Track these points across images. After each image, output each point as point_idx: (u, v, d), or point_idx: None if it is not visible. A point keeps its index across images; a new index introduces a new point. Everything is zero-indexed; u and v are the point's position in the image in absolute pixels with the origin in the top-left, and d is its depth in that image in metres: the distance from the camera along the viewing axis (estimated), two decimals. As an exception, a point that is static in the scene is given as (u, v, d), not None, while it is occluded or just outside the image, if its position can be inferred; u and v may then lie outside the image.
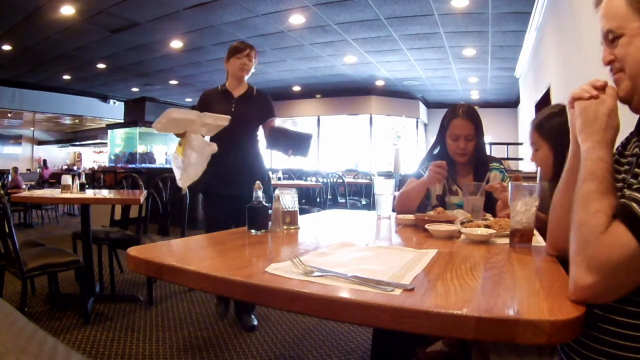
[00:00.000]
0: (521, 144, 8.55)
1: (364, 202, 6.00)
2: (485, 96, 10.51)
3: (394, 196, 1.76)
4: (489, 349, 0.97)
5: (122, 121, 11.19)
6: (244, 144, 2.36)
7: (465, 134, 1.76)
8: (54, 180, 10.09)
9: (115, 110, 11.62)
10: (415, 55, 7.36)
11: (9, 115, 11.66)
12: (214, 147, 1.97)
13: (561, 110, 1.55)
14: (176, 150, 1.96)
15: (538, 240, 1.13)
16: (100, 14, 5.58)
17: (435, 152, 1.91)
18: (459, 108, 1.80)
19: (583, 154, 0.76)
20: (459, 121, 1.77)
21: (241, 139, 2.34)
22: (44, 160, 14.30)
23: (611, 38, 0.80)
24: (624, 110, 0.83)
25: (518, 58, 7.05)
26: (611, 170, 0.73)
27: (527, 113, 7.46)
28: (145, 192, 2.94)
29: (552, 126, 1.53)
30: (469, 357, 1.09)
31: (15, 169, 7.74)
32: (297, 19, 5.79)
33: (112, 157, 10.66)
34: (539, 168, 1.28)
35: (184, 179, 1.93)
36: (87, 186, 3.11)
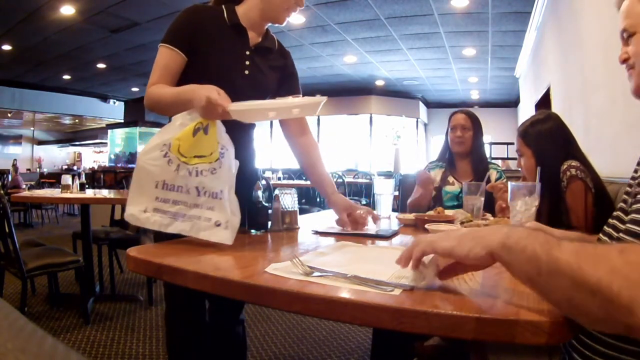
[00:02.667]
0: (521, 143, 8.54)
1: (364, 202, 6.00)
2: (485, 96, 10.50)
3: (394, 196, 1.77)
4: (487, 348, 0.97)
5: (122, 121, 11.20)
6: (243, 135, 1.32)
7: (462, 123, 2.02)
8: (54, 180, 10.09)
9: (115, 110, 11.62)
10: (415, 55, 7.36)
11: (9, 115, 11.66)
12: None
13: (546, 117, 1.56)
14: (173, 146, 0.99)
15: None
16: (100, 14, 5.58)
17: (441, 153, 2.17)
18: (460, 109, 2.12)
19: (514, 247, 0.55)
20: (458, 114, 2.06)
21: (240, 125, 1.16)
22: (14, 160, 13.55)
23: (626, 37, 0.82)
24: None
25: (518, 58, 7.05)
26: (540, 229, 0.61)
27: (527, 113, 7.45)
28: (145, 192, 2.94)
29: (535, 133, 1.54)
30: (464, 350, 1.09)
31: (16, 169, 7.74)
32: (297, 19, 5.79)
33: (112, 157, 10.67)
34: (538, 168, 1.28)
35: (231, 225, 1.00)
36: (87, 186, 3.11)
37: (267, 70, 1.33)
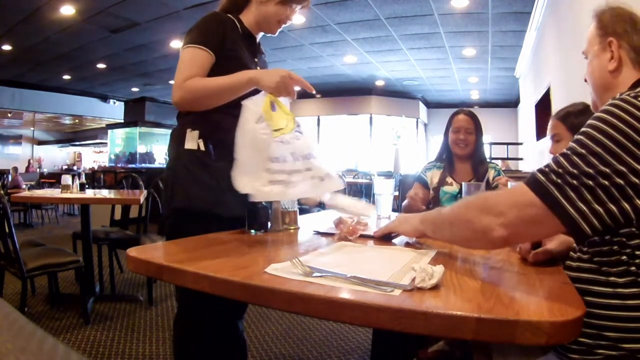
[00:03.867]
0: (521, 144, 8.54)
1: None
2: (485, 96, 10.50)
3: (394, 196, 1.77)
4: (491, 348, 0.97)
5: (122, 121, 11.19)
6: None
7: (466, 126, 1.99)
8: (54, 180, 10.08)
9: (115, 110, 11.61)
10: (415, 55, 7.35)
11: (9, 115, 11.65)
12: None
13: (585, 108, 1.56)
14: (266, 118, 1.05)
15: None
16: (100, 14, 5.58)
17: (439, 153, 2.13)
18: (462, 109, 2.09)
19: (423, 223, 0.93)
20: (461, 116, 2.02)
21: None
22: (29, 160, 13.53)
23: (585, 58, 0.94)
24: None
25: (518, 58, 7.05)
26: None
27: (527, 113, 7.45)
28: (145, 192, 2.94)
29: (581, 124, 1.53)
30: (471, 357, 1.09)
31: (15, 169, 7.75)
32: (297, 19, 5.77)
33: (112, 157, 10.66)
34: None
35: (334, 175, 1.15)
36: (87, 186, 3.11)
37: None
